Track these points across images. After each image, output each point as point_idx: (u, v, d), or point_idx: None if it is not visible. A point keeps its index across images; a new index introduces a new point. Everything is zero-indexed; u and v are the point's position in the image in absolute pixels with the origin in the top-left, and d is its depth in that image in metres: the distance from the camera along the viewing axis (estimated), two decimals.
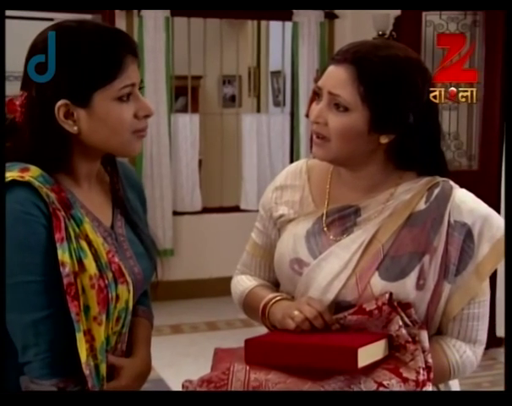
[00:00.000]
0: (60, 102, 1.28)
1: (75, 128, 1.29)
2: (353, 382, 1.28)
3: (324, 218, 1.48)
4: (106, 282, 1.28)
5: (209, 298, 5.24)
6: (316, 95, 1.44)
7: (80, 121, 1.29)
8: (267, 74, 7.03)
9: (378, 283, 1.38)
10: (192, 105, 6.14)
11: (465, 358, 1.43)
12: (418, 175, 1.46)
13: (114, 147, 1.35)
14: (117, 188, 1.45)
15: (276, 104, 6.74)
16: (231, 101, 7.22)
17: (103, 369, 1.27)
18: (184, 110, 6.27)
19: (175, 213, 5.48)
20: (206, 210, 5.70)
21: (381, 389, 1.27)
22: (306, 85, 5.56)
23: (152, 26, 5.18)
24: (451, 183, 1.45)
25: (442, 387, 1.46)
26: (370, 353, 1.29)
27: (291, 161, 5.83)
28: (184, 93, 6.23)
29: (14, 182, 1.23)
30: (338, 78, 1.39)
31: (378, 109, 1.38)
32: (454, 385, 1.51)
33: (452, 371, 1.43)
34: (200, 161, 5.81)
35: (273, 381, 1.29)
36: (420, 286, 1.38)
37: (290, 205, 1.54)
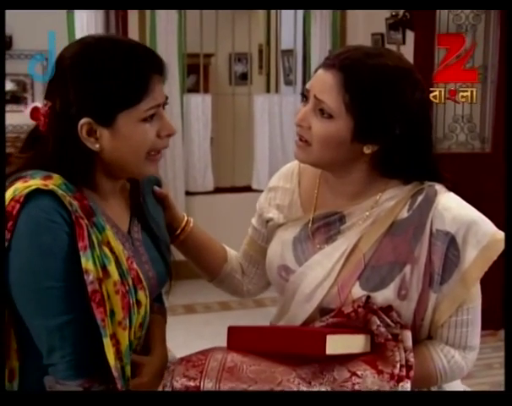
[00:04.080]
0: (83, 120, 1.28)
1: (97, 145, 1.30)
2: (326, 369, 1.30)
3: (309, 225, 1.49)
4: (127, 288, 1.30)
5: None
6: (304, 96, 1.43)
7: (103, 139, 1.30)
8: (277, 53, 7.00)
9: (359, 293, 1.38)
10: (203, 83, 6.13)
11: (453, 363, 1.41)
12: (404, 182, 1.44)
13: (131, 166, 1.34)
14: (136, 194, 1.46)
15: (288, 83, 6.71)
16: (242, 78, 7.20)
17: (128, 370, 1.30)
18: (195, 88, 6.27)
19: (187, 193, 5.50)
20: (218, 190, 5.73)
21: (354, 378, 1.28)
22: (318, 64, 5.51)
23: None
24: (437, 187, 1.42)
25: (434, 390, 1.45)
26: (343, 344, 1.31)
27: None
28: (195, 71, 6.23)
29: (38, 190, 1.24)
30: (325, 83, 1.37)
31: (362, 119, 1.35)
32: (451, 388, 1.48)
33: (439, 376, 1.41)
34: (212, 140, 5.82)
35: (248, 363, 1.32)
36: (402, 296, 1.37)
37: (280, 210, 1.56)
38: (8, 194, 1.26)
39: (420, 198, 1.41)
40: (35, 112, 1.33)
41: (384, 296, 1.37)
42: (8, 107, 7.27)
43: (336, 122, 1.36)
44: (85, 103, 1.27)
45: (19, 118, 7.26)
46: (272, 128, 5.73)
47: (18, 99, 7.45)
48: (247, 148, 5.92)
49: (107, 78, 1.27)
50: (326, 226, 1.46)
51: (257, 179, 5.74)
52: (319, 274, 1.42)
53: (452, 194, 1.43)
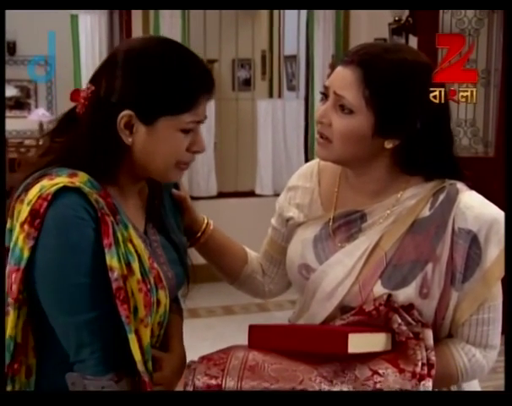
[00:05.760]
0: (126, 112, 1.29)
1: (130, 139, 1.31)
2: (347, 368, 1.29)
3: (330, 223, 1.49)
4: (149, 286, 1.30)
5: (225, 282, 5.25)
6: (324, 94, 1.43)
7: (137, 135, 1.31)
8: (279, 58, 7.03)
9: (380, 292, 1.38)
10: None
11: (474, 362, 1.40)
12: (426, 179, 1.43)
13: (156, 170, 1.35)
14: (155, 195, 1.46)
15: (290, 88, 6.75)
16: (245, 84, 7.24)
17: (150, 366, 1.31)
18: None
19: (191, 198, 5.42)
20: (222, 194, 5.74)
21: (375, 377, 1.28)
22: (321, 69, 5.57)
23: (169, 12, 5.19)
24: (458, 186, 1.41)
25: (454, 389, 1.45)
26: (365, 343, 1.31)
27: (306, 145, 5.86)
28: None
29: (65, 188, 1.25)
30: (344, 79, 1.38)
31: (382, 114, 1.36)
32: (471, 388, 1.48)
33: (460, 375, 1.40)
34: (215, 145, 5.84)
35: (269, 361, 1.32)
36: (424, 294, 1.37)
37: (300, 209, 1.56)
38: (34, 191, 1.26)
39: (441, 196, 1.41)
40: (74, 94, 1.34)
41: (406, 294, 1.37)
42: (12, 113, 7.33)
43: (357, 117, 1.37)
44: (132, 95, 1.29)
45: (22, 124, 7.32)
46: (275, 133, 5.76)
47: (21, 105, 7.49)
48: (250, 153, 5.94)
49: (160, 81, 1.29)
50: (347, 224, 1.47)
51: (260, 184, 5.75)
52: (340, 272, 1.43)
53: (474, 193, 1.42)
